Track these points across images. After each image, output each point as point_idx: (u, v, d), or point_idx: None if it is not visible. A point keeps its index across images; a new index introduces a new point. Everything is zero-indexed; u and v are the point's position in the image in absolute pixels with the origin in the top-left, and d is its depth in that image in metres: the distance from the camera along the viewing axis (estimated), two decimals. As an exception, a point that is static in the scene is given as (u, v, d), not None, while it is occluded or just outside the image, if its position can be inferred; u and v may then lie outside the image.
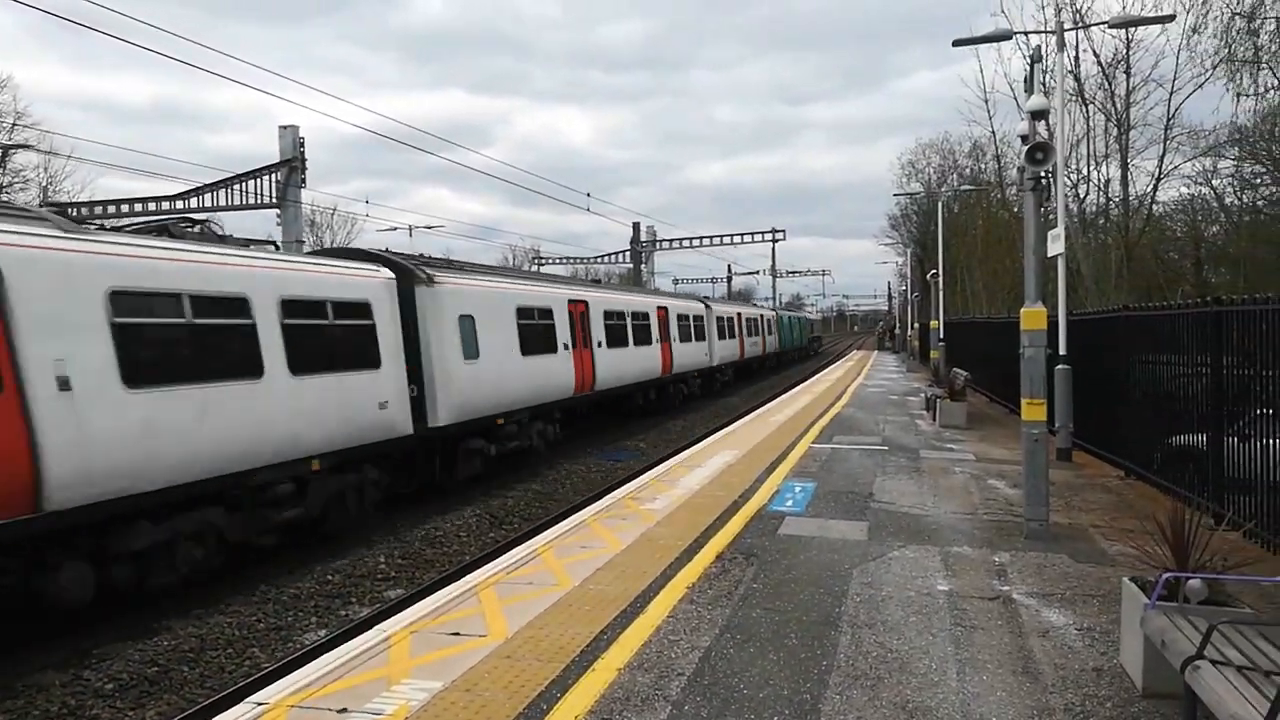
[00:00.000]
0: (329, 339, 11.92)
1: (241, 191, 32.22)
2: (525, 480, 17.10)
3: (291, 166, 31.12)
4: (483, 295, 16.33)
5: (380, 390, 12.80)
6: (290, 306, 11.13)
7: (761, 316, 47.82)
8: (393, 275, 13.72)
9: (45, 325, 7.98)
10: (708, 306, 34.55)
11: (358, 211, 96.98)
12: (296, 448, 11.00)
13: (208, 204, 33.71)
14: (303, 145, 31.27)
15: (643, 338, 25.38)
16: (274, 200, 31.62)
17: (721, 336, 35.41)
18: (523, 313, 17.85)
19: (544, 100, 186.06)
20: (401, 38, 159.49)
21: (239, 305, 10.33)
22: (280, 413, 10.76)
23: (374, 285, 13.18)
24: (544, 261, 73.83)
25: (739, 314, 41.04)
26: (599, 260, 72.07)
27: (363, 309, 12.73)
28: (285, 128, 31.34)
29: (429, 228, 45.60)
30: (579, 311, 20.90)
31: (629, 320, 24.42)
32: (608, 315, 22.79)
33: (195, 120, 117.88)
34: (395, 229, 44.10)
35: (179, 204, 33.89)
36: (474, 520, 13.85)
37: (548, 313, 19.13)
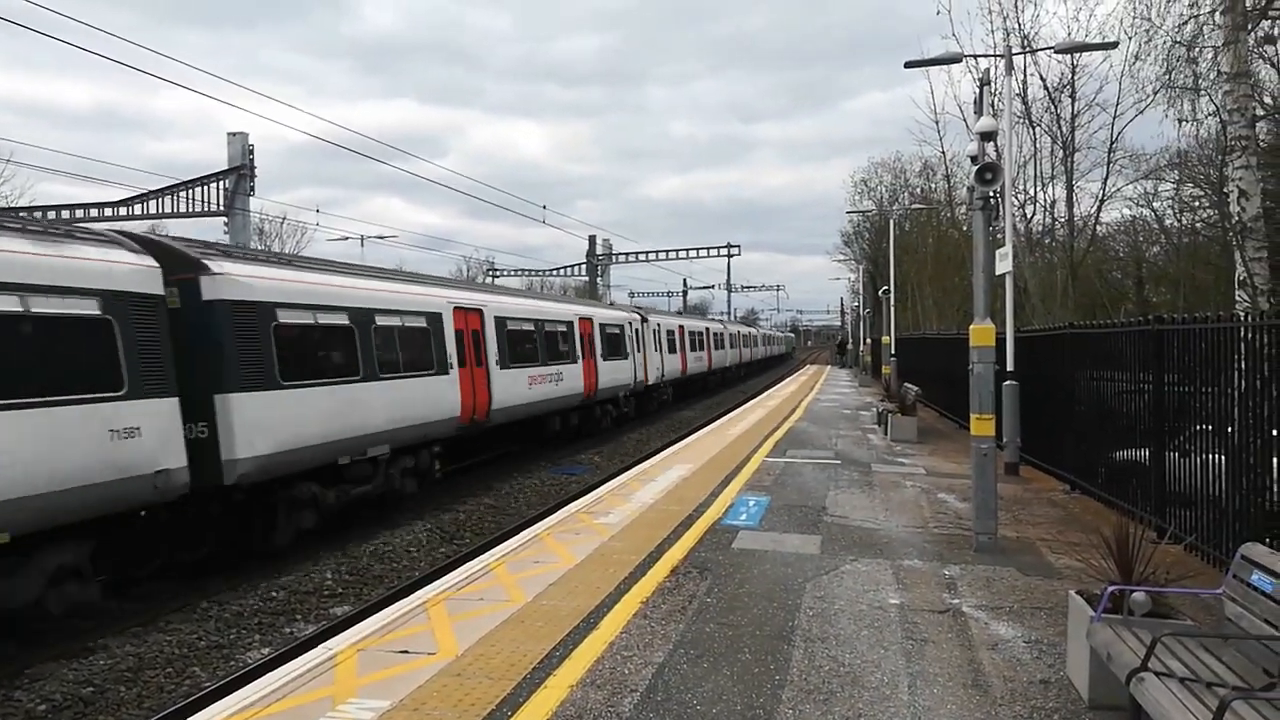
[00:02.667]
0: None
1: (188, 199, 31.58)
2: (478, 494, 16.91)
3: (240, 174, 30.60)
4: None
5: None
6: None
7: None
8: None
9: None
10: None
11: (308, 220, 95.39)
12: None
13: (153, 211, 33.03)
14: (252, 153, 30.77)
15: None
16: (222, 208, 31.05)
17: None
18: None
19: (498, 112, 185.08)
20: (352, 47, 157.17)
21: None
22: None
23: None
24: (499, 273, 73.45)
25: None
26: (555, 273, 71.90)
27: (92, 307, 8.95)
28: (234, 134, 30.83)
29: (381, 238, 45.00)
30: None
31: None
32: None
33: (139, 126, 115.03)
34: (347, 238, 43.46)
35: (123, 211, 33.11)
36: (424, 535, 13.65)
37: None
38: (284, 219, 70.30)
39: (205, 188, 31.32)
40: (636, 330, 29.98)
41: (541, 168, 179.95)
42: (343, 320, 13.24)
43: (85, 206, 34.03)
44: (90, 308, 8.93)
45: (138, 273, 9.63)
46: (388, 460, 14.08)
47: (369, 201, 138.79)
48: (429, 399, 15.38)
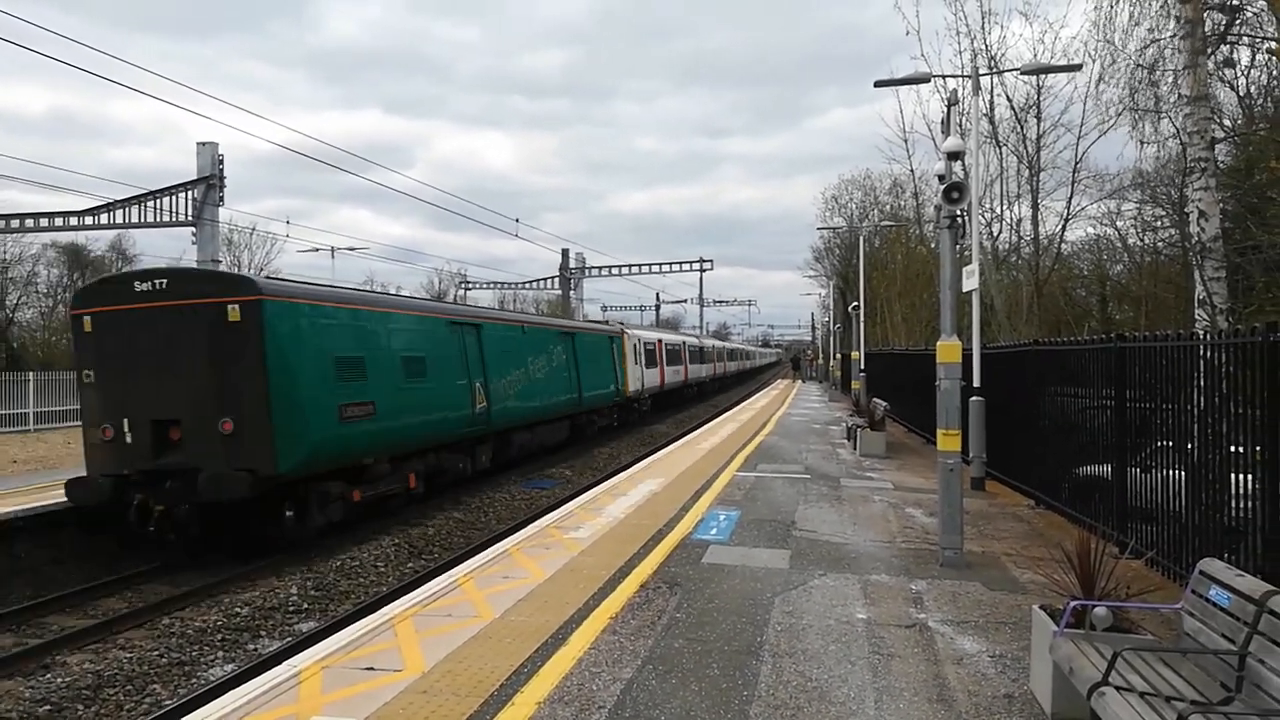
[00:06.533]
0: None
1: (156, 209, 31.16)
2: (447, 509, 16.79)
3: (209, 184, 30.27)
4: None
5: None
6: None
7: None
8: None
9: None
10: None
11: (277, 231, 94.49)
12: None
13: (119, 220, 32.51)
14: (221, 162, 30.49)
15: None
16: (190, 218, 30.68)
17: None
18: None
19: (465, 123, 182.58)
20: (315, 56, 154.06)
21: None
22: None
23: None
24: (471, 286, 73.16)
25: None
26: (527, 286, 71.73)
27: (606, 345, 31.03)
28: (204, 144, 30.52)
29: (352, 249, 44.57)
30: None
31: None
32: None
33: (98, 133, 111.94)
34: (317, 249, 42.94)
35: (89, 220, 32.61)
36: (392, 550, 13.52)
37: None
38: (253, 229, 69.72)
39: (174, 197, 30.93)
40: (668, 346, 44.53)
41: (509, 179, 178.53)
42: (652, 345, 36.63)
43: (50, 215, 33.45)
44: (607, 345, 30.50)
45: (617, 332, 32.79)
46: (652, 395, 37.38)
47: (336, 213, 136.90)
48: (671, 373, 40.97)
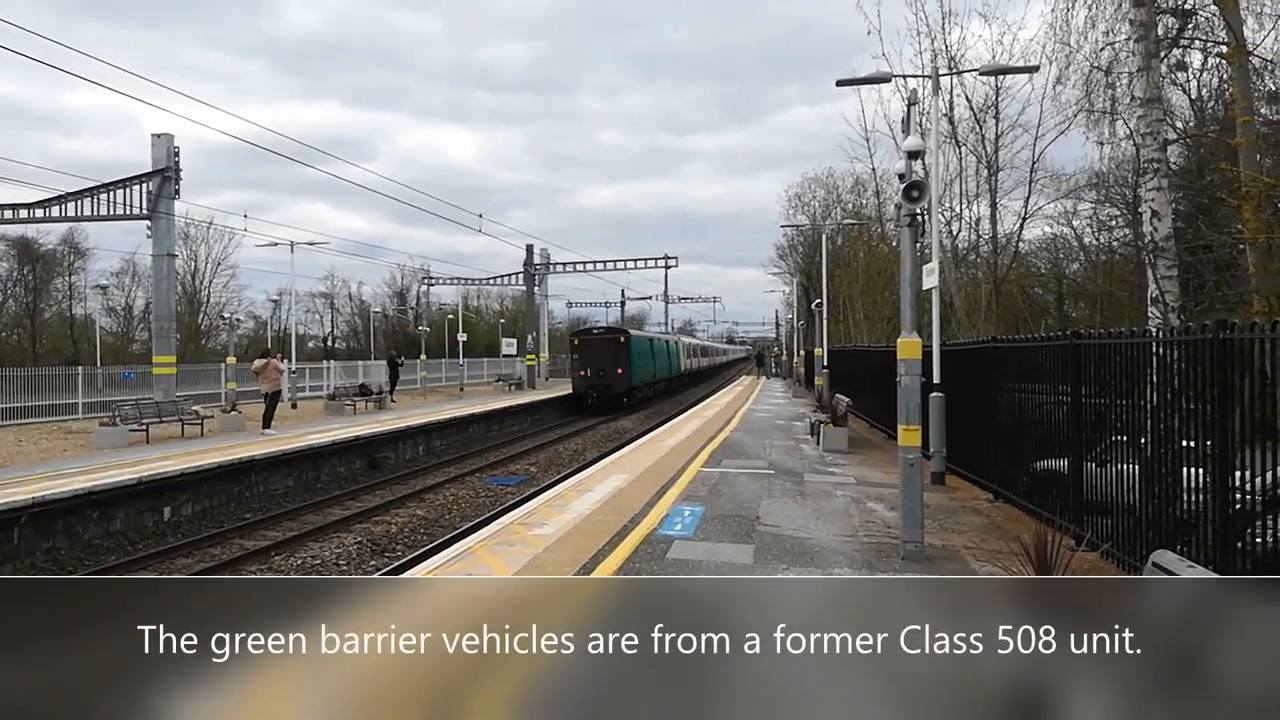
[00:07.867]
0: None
1: (109, 202, 30.46)
2: (410, 505, 16.68)
3: (165, 176, 29.66)
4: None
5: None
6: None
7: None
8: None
9: None
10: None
11: (235, 225, 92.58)
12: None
13: (71, 213, 31.74)
14: (177, 154, 29.88)
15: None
16: (145, 212, 30.05)
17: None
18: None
19: (426, 117, 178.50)
20: (273, 46, 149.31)
21: None
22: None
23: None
24: (435, 281, 72.54)
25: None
26: (491, 282, 71.25)
27: (670, 349, 59.56)
28: (159, 136, 29.89)
29: (311, 244, 43.74)
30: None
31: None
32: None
33: (48, 123, 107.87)
34: (276, 244, 42.14)
35: (39, 213, 31.82)
36: (354, 548, 13.41)
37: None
38: (210, 223, 68.56)
39: (128, 190, 30.23)
40: (692, 345, 71.98)
41: (474, 174, 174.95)
42: (687, 346, 69.92)
43: (-2, 208, 32.55)
44: (673, 350, 59.80)
45: (677, 339, 66.27)
46: (691, 373, 68.18)
47: (295, 206, 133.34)
48: (693, 363, 72.57)
